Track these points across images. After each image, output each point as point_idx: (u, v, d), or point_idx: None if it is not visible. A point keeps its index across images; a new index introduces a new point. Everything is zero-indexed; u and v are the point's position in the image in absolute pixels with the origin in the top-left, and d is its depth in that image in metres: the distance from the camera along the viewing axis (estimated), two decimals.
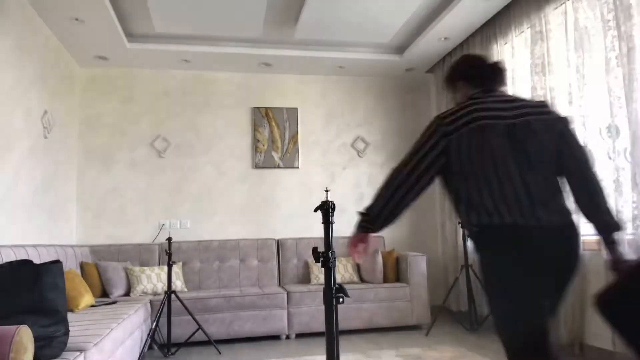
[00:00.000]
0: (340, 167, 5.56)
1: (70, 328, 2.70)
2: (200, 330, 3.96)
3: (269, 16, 4.35)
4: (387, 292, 4.60)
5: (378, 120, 5.71)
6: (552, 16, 3.65)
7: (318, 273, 4.81)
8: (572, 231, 1.62)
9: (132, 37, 4.65)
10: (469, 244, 4.59)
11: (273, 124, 5.42)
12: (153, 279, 4.39)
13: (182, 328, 4.05)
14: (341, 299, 1.85)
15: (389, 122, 5.73)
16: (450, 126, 1.67)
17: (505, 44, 4.22)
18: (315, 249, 1.89)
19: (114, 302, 3.85)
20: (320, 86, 5.62)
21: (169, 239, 3.92)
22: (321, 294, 4.49)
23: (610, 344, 3.05)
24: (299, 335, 4.37)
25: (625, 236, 2.94)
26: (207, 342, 4.02)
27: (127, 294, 4.33)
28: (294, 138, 5.44)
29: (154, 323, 3.71)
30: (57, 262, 2.33)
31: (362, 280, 4.87)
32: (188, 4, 4.04)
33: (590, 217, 1.68)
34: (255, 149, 5.36)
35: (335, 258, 1.88)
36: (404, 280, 4.75)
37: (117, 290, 4.28)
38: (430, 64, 5.37)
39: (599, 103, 3.25)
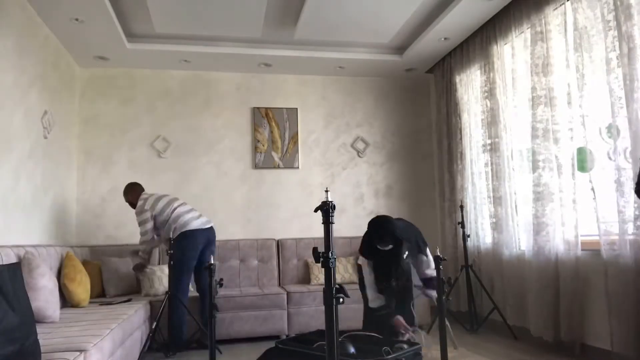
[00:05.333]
0: (340, 167, 5.56)
1: (71, 328, 2.70)
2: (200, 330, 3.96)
3: (269, 16, 4.35)
4: None
5: (378, 120, 5.71)
6: (552, 17, 3.65)
7: (318, 273, 4.82)
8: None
9: (132, 37, 4.65)
10: (467, 244, 4.60)
11: (273, 124, 5.42)
12: (149, 280, 4.37)
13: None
14: (341, 299, 1.84)
15: (389, 122, 5.73)
16: None
17: (505, 44, 4.22)
18: (315, 249, 1.89)
19: (128, 300, 3.92)
20: (320, 86, 5.62)
21: (170, 239, 3.91)
22: (321, 294, 4.49)
23: (609, 344, 3.05)
24: None
25: (627, 237, 2.94)
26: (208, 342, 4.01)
27: (125, 294, 4.33)
28: (294, 138, 5.44)
29: (155, 323, 3.71)
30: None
31: None
32: (188, 4, 4.05)
33: None
34: (255, 149, 5.36)
35: (335, 258, 1.88)
36: None
37: (116, 290, 4.28)
38: (430, 64, 5.37)
39: (599, 103, 3.25)
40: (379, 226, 3.28)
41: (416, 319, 3.52)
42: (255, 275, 4.89)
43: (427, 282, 3.51)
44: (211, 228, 4.11)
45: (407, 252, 3.39)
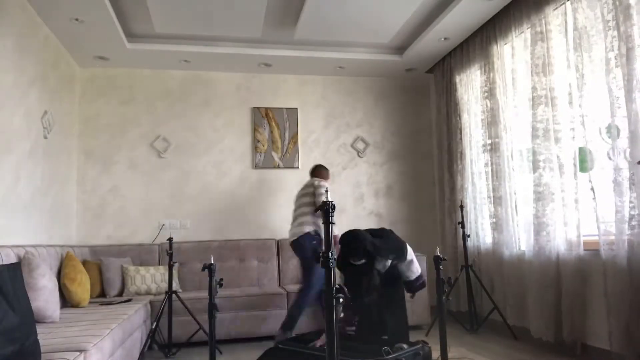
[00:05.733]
0: (340, 167, 5.56)
1: (71, 328, 2.70)
2: (200, 331, 3.96)
3: (269, 16, 4.35)
4: None
5: (378, 120, 5.71)
6: (552, 16, 3.65)
7: None
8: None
9: (132, 37, 4.66)
10: (467, 243, 4.61)
11: (273, 124, 5.42)
12: (147, 280, 4.38)
13: (182, 328, 4.05)
14: (341, 299, 1.85)
15: (388, 123, 5.73)
16: None
17: (505, 44, 4.22)
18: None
19: (128, 300, 3.90)
20: (320, 86, 5.63)
21: (170, 239, 3.92)
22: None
23: (609, 344, 3.04)
24: None
25: (624, 237, 2.94)
26: (208, 342, 4.01)
27: (121, 293, 4.34)
28: (294, 138, 5.44)
29: (155, 323, 3.71)
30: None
31: None
32: (188, 4, 4.05)
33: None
34: (255, 149, 5.36)
35: (335, 258, 1.88)
36: None
37: (114, 290, 4.28)
38: (430, 64, 5.37)
39: (599, 103, 3.25)
40: (350, 242, 3.41)
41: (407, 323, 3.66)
42: (255, 275, 4.89)
43: (410, 284, 3.65)
44: (294, 240, 4.13)
45: (389, 261, 3.50)
